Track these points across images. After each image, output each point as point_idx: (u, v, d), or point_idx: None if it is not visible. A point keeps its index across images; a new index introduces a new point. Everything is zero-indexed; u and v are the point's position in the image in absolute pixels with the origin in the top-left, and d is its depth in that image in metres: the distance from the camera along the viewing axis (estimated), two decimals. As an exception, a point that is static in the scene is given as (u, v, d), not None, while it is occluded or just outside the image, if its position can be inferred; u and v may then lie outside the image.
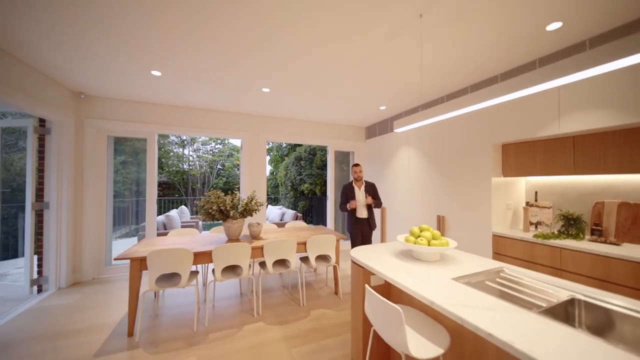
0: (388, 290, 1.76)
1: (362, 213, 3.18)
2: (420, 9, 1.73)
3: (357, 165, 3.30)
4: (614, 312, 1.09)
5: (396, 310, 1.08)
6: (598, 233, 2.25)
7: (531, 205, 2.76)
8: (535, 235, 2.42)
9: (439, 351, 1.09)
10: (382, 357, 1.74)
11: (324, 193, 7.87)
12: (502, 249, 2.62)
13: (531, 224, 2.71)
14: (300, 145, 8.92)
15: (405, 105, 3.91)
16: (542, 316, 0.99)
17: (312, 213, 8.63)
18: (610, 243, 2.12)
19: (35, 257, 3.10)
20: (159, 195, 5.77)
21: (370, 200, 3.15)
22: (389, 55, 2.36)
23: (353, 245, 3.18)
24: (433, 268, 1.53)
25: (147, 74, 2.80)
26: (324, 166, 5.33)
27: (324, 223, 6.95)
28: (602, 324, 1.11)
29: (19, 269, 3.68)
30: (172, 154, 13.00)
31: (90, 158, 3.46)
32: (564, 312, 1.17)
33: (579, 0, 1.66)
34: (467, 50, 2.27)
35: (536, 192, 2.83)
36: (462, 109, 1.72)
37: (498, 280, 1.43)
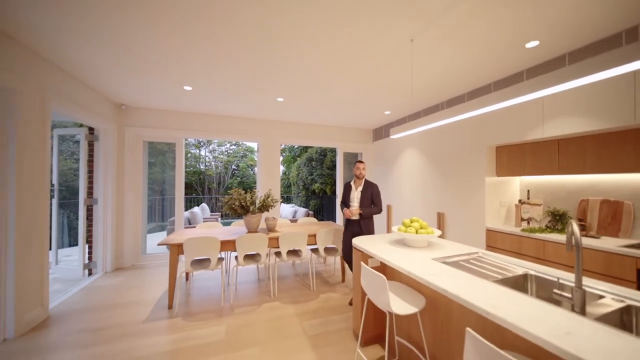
0: (383, 272, 2.08)
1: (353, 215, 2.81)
2: (411, 35, 2.05)
3: (360, 162, 2.95)
4: (555, 283, 1.37)
5: (381, 277, 1.42)
6: (581, 227, 2.47)
7: (523, 203, 2.99)
8: (523, 230, 2.66)
9: (414, 310, 1.42)
10: (376, 329, 2.08)
11: (334, 192, 8.20)
12: (494, 242, 2.88)
13: (523, 219, 2.94)
14: (311, 146, 9.30)
15: (409, 110, 4.19)
16: (497, 284, 1.30)
17: (323, 211, 9.00)
18: (591, 236, 2.34)
19: (86, 245, 3.65)
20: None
21: (356, 211, 2.75)
22: (393, 67, 2.68)
23: (343, 247, 2.91)
24: (419, 252, 1.85)
25: (180, 89, 3.26)
26: (334, 166, 5.64)
27: (334, 220, 7.30)
28: (547, 292, 1.40)
29: (68, 257, 4.28)
30: (189, 155, 13.73)
31: (129, 160, 3.99)
32: (519, 284, 1.46)
33: (552, 25, 1.92)
34: (459, 63, 2.55)
35: (528, 191, 3.06)
36: (454, 117, 2.01)
37: (471, 261, 1.73)
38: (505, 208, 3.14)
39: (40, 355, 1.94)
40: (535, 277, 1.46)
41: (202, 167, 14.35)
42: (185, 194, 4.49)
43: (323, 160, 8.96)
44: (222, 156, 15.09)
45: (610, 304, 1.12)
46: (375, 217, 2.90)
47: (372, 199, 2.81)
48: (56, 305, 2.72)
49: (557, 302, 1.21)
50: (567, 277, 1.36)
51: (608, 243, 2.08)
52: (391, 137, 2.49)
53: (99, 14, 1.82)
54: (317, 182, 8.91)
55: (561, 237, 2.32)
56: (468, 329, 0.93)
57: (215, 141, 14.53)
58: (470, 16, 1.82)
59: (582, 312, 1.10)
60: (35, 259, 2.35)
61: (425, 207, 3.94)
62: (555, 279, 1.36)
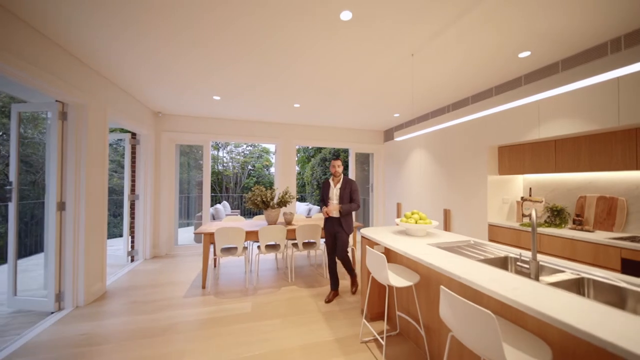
0: (387, 257, 2.39)
1: (332, 212, 2.77)
2: (411, 51, 2.34)
3: (336, 158, 2.85)
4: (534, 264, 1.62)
5: (382, 256, 1.73)
6: (578, 222, 2.64)
7: (525, 200, 3.16)
8: (521, 224, 2.86)
9: (409, 283, 1.72)
10: (381, 307, 2.38)
11: (347, 191, 8.45)
12: (496, 236, 3.08)
13: (524, 215, 3.12)
14: (325, 147, 9.64)
15: (417, 112, 4.43)
16: (480, 262, 1.57)
17: (336, 210, 9.30)
18: (585, 230, 2.51)
19: (129, 236, 4.21)
20: (200, 193, 7.02)
21: (336, 207, 2.73)
22: (396, 78, 2.96)
23: (328, 253, 2.89)
24: (418, 239, 2.14)
25: (210, 98, 3.72)
26: (346, 166, 5.91)
27: (347, 219, 7.58)
28: (524, 270, 1.65)
29: (111, 247, 4.90)
30: (203, 154, 14.44)
31: (164, 161, 4.53)
32: (499, 263, 1.72)
33: (541, 37, 2.13)
34: (458, 72, 2.79)
35: (530, 188, 3.22)
36: (453, 120, 2.29)
37: (463, 246, 2.00)
38: (508, 205, 3.32)
39: (105, 319, 2.42)
40: (514, 259, 1.71)
41: (220, 167, 15.09)
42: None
43: (336, 160, 9.28)
44: (238, 157, 15.78)
45: (566, 277, 1.37)
46: (385, 214, 3.12)
47: (350, 195, 2.77)
48: (110, 283, 3.24)
49: (519, 272, 1.48)
50: (528, 255, 1.60)
51: (598, 236, 2.25)
52: (395, 139, 2.77)
53: (151, 44, 2.26)
54: (331, 182, 9.24)
55: (555, 231, 2.51)
56: (442, 286, 1.23)
57: (233, 142, 15.22)
58: (464, 33, 2.08)
59: (536, 278, 1.36)
60: (98, 245, 2.86)
61: (433, 204, 4.17)
62: (525, 258, 1.62)
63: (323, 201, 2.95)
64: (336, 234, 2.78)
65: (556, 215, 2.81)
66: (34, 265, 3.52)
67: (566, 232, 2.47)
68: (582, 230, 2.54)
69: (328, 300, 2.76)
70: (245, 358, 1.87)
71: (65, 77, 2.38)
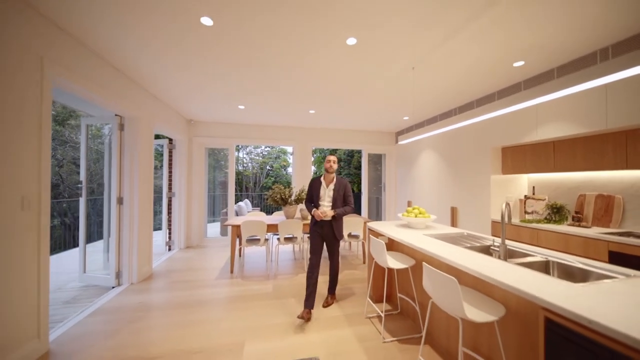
0: (390, 247, 2.70)
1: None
2: (412, 64, 2.64)
3: (331, 153, 2.45)
4: (516, 252, 1.88)
5: (381, 242, 2.06)
6: (577, 219, 2.79)
7: (528, 198, 3.32)
8: (521, 221, 3.04)
9: (404, 266, 2.03)
10: (383, 290, 2.69)
11: (360, 190, 8.75)
12: (498, 231, 3.27)
13: (527, 213, 3.28)
14: (339, 148, 9.97)
15: (425, 115, 4.64)
16: (465, 249, 1.85)
17: (351, 209, 9.61)
18: (583, 227, 2.67)
19: (167, 229, 4.82)
20: (222, 192, 7.72)
21: (330, 213, 2.45)
22: (400, 88, 3.25)
23: (311, 252, 2.54)
24: (417, 231, 2.43)
25: (235, 107, 4.21)
26: (360, 166, 6.19)
27: (359, 214, 7.87)
28: (496, 253, 1.90)
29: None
30: (229, 156, 15.28)
31: (195, 163, 5.10)
32: (482, 250, 1.98)
33: (532, 49, 2.34)
34: (458, 80, 3.03)
35: (533, 187, 3.37)
36: (455, 124, 2.57)
37: (456, 237, 2.27)
38: (512, 203, 3.48)
39: (153, 293, 2.94)
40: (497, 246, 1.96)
41: (240, 168, 15.87)
42: (227, 192, 5.49)
43: (350, 160, 9.58)
44: (257, 158, 16.50)
45: (534, 260, 1.62)
46: (397, 212, 3.23)
47: (344, 198, 2.51)
48: (154, 267, 3.81)
49: (492, 255, 1.75)
50: (499, 240, 1.86)
51: (591, 231, 2.42)
52: (399, 143, 3.07)
53: (194, 71, 2.74)
54: (346, 182, 9.58)
55: (551, 227, 2.69)
56: (424, 262, 1.54)
57: (252, 144, 15.94)
58: (460, 49, 2.35)
59: (504, 259, 1.63)
60: (146, 234, 3.42)
61: (441, 202, 4.38)
62: (497, 243, 1.88)
63: (311, 201, 2.61)
64: (327, 238, 2.51)
65: (556, 212, 2.96)
66: (92, 252, 4.19)
67: (561, 227, 2.64)
68: (579, 226, 2.69)
69: (301, 317, 2.32)
70: (268, 325, 2.28)
71: (123, 95, 2.93)
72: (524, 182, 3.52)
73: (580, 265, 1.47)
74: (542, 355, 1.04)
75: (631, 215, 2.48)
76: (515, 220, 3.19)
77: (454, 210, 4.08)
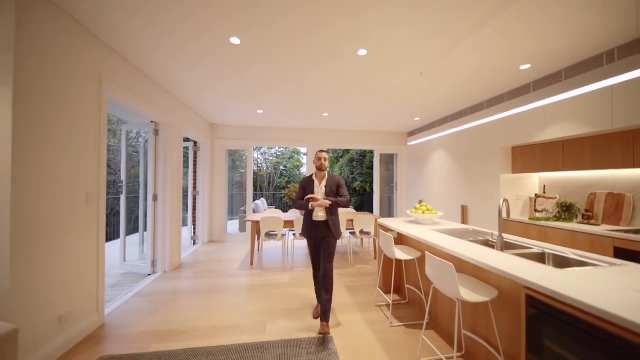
0: (400, 242, 2.88)
1: (318, 214, 2.36)
2: (420, 69, 2.80)
3: (322, 150, 2.45)
4: (515, 245, 2.01)
5: (390, 236, 2.25)
6: (587, 217, 2.83)
7: (539, 197, 3.37)
8: (530, 218, 3.11)
9: (411, 257, 2.22)
10: (394, 283, 2.87)
11: (373, 189, 8.87)
12: (507, 229, 3.35)
13: (537, 211, 3.33)
14: (352, 148, 10.13)
15: (437, 115, 4.74)
16: (469, 242, 2.01)
17: (364, 207, 9.75)
18: (592, 224, 2.72)
19: (192, 225, 5.23)
20: (238, 192, 8.13)
21: (326, 203, 2.27)
22: (409, 92, 3.41)
23: (314, 267, 2.44)
24: (425, 227, 2.60)
25: (254, 112, 4.53)
26: (371, 166, 6.35)
27: (371, 212, 8.00)
28: (509, 248, 2.04)
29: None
30: (244, 157, 15.83)
31: (217, 164, 5.49)
32: (484, 243, 2.13)
33: (537, 53, 2.44)
34: (467, 82, 3.14)
35: (544, 186, 3.42)
36: (458, 127, 2.71)
37: (461, 232, 2.42)
38: (522, 201, 3.54)
39: (184, 280, 3.29)
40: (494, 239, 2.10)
41: (254, 168, 16.37)
42: (243, 191, 5.83)
43: (363, 160, 9.72)
44: (271, 158, 16.95)
45: (531, 251, 1.76)
46: (409, 210, 3.14)
47: (338, 192, 2.39)
48: (182, 258, 4.20)
49: (491, 246, 1.90)
50: (524, 239, 2.00)
51: (599, 229, 2.48)
52: (408, 144, 3.23)
53: (224, 82, 3.06)
54: (358, 181, 9.71)
55: (559, 224, 2.76)
56: (426, 252, 1.73)
57: (266, 145, 16.32)
58: (466, 55, 2.49)
59: (501, 250, 1.78)
60: (176, 228, 3.79)
61: (452, 201, 4.47)
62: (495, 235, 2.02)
63: (302, 200, 2.40)
64: (323, 239, 2.33)
65: (565, 211, 3.01)
66: (129, 244, 4.66)
67: (569, 225, 2.71)
68: (588, 224, 2.74)
69: (318, 316, 2.27)
70: (286, 309, 2.53)
71: (159, 104, 3.30)
72: (535, 181, 3.56)
73: (574, 257, 1.60)
74: (524, 325, 1.22)
75: (641, 214, 2.51)
76: (525, 218, 3.26)
77: (464, 209, 4.17)
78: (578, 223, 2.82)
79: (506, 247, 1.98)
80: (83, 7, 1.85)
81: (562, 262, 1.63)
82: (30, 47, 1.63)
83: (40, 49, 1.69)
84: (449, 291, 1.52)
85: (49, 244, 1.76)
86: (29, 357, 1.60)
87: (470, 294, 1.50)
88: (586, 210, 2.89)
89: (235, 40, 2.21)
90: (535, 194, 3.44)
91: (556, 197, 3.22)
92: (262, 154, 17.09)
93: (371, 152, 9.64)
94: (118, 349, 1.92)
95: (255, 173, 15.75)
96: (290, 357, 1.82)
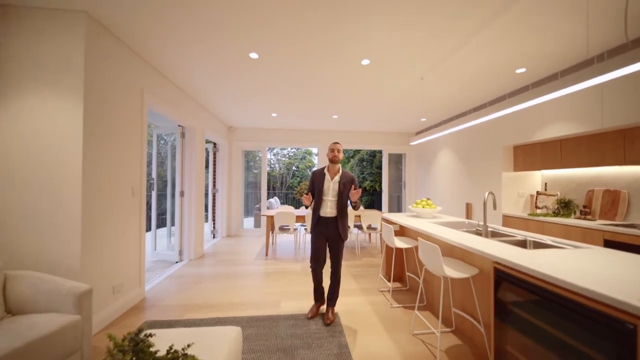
0: (402, 234, 3.12)
1: (327, 210, 2.23)
2: (421, 75, 3.04)
3: (336, 142, 2.27)
4: (500, 233, 2.22)
5: (390, 226, 2.52)
6: (584, 213, 2.96)
7: (540, 194, 3.50)
8: (529, 214, 3.25)
9: (409, 246, 2.47)
10: (396, 272, 3.12)
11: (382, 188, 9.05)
12: (508, 224, 3.50)
13: (537, 207, 3.46)
14: (361, 149, 10.35)
15: (441, 116, 4.92)
16: (461, 232, 2.24)
17: (374, 206, 9.94)
18: (588, 219, 2.85)
19: (212, 220, 5.67)
20: (252, 191, 8.59)
21: (356, 196, 2.13)
22: (411, 95, 3.64)
23: (313, 260, 2.33)
24: (425, 220, 2.83)
25: (269, 115, 4.90)
26: (380, 166, 6.55)
27: (380, 209, 8.19)
28: (495, 236, 2.25)
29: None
30: (257, 158, 16.37)
31: (234, 164, 5.91)
32: (476, 233, 2.34)
33: (531, 57, 2.62)
34: (465, 85, 3.34)
35: (545, 183, 3.54)
36: (457, 127, 2.92)
37: (456, 224, 2.64)
38: (524, 198, 3.68)
39: (206, 267, 3.69)
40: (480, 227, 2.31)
41: (267, 168, 16.86)
42: (257, 190, 6.21)
43: (372, 160, 9.92)
44: (284, 159, 17.41)
45: (514, 239, 1.97)
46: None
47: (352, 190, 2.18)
48: (204, 249, 4.63)
49: (478, 234, 2.12)
50: (514, 230, 2.20)
51: (594, 223, 2.62)
52: (410, 144, 3.46)
53: (244, 92, 3.43)
54: (368, 180, 9.92)
55: (556, 219, 2.90)
56: (419, 237, 1.99)
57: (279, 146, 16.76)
58: (464, 59, 2.71)
59: (486, 237, 2.00)
60: (200, 222, 4.21)
61: (456, 198, 4.63)
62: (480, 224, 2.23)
63: (312, 194, 2.30)
64: (332, 240, 2.26)
65: (564, 207, 3.14)
66: (158, 236, 5.16)
67: (564, 220, 2.85)
68: (584, 219, 2.87)
69: (312, 316, 2.25)
70: (298, 291, 2.85)
71: (185, 110, 3.72)
72: (537, 178, 3.68)
73: (550, 242, 1.80)
74: (492, 294, 1.46)
75: (636, 209, 2.63)
76: (525, 214, 3.40)
77: (468, 206, 4.33)
78: (575, 218, 2.95)
79: (495, 235, 2.20)
80: (135, 36, 2.25)
81: (540, 247, 1.84)
82: (94, 67, 2.04)
83: (100, 68, 2.11)
84: (435, 269, 1.77)
85: (105, 227, 2.17)
86: (95, 315, 2.00)
87: (453, 272, 1.75)
88: (584, 206, 3.01)
89: (253, 55, 2.56)
90: (537, 191, 3.57)
91: (557, 194, 3.34)
92: (274, 155, 17.57)
93: (380, 152, 9.82)
94: (158, 316, 2.30)
95: (268, 174, 16.26)
96: (300, 326, 2.13)
